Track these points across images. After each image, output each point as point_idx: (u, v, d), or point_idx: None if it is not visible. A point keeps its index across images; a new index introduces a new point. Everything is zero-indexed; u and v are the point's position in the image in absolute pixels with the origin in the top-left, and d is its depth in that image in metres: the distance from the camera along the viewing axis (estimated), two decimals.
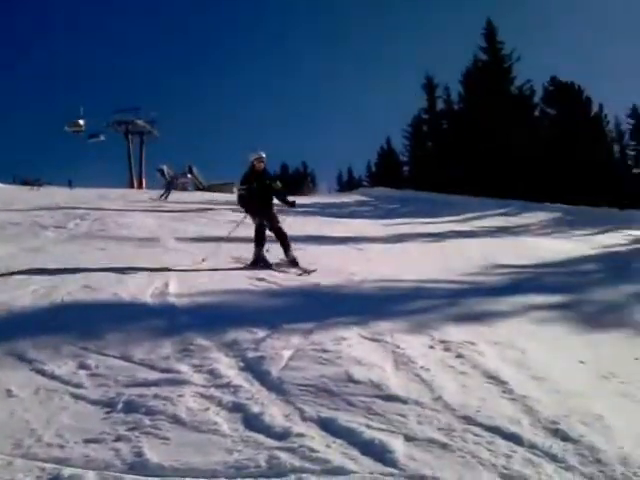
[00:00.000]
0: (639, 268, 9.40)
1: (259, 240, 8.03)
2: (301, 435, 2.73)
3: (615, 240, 13.23)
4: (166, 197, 21.41)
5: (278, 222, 8.17)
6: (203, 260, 7.69)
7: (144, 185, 37.73)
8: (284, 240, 8.08)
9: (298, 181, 46.10)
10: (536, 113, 34.88)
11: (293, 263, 7.91)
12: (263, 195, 8.00)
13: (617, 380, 3.91)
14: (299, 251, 9.48)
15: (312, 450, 2.58)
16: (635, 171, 34.56)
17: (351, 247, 10.73)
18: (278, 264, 7.91)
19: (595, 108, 34.91)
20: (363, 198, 26.63)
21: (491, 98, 32.22)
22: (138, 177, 40.80)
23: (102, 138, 42.47)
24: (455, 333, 4.66)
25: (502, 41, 34.88)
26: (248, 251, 8.06)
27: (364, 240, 11.84)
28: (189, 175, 33.22)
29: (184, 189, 29.59)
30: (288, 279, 6.99)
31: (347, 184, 53.44)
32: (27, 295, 5.62)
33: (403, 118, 47.66)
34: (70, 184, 28.34)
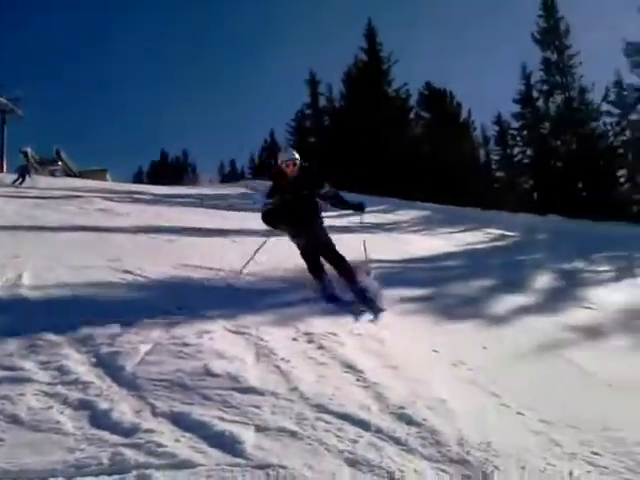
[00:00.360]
0: (495, 264, 10.24)
1: (314, 268, 6.12)
2: (150, 431, 2.67)
3: (477, 238, 14.31)
4: (20, 183, 19.68)
5: (330, 243, 6.04)
6: None
7: (4, 168, 34.52)
8: (342, 268, 5.89)
9: (178, 170, 44.83)
10: (411, 115, 36.82)
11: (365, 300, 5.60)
12: (301, 208, 5.94)
13: (465, 367, 4.23)
14: (171, 243, 9.27)
15: (159, 445, 2.52)
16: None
17: (230, 240, 10.62)
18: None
19: (464, 114, 37.56)
20: (245, 190, 26.48)
21: (370, 98, 33.48)
22: None
23: None
24: (320, 325, 4.78)
25: (381, 42, 36.41)
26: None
27: (243, 233, 11.78)
28: (59, 161, 31.01)
29: (52, 175, 27.58)
30: (157, 272, 6.74)
31: (229, 175, 52.89)
32: None
33: (287, 113, 48.10)
34: None
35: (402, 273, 8.52)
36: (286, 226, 6.03)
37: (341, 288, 5.85)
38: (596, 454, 2.87)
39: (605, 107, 30.27)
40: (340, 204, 6.18)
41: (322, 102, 40.45)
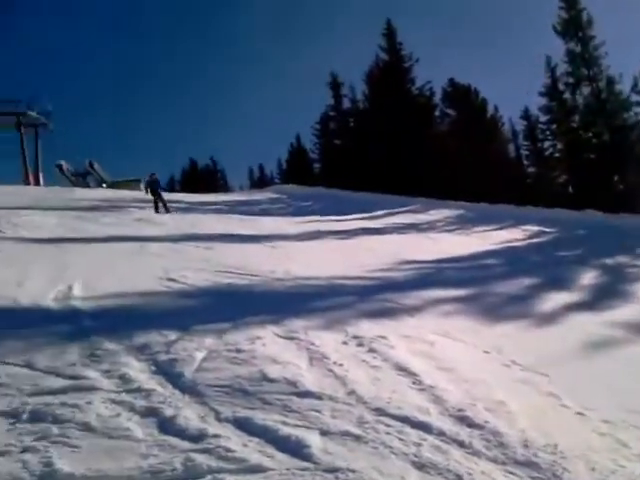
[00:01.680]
0: (535, 261, 10.09)
1: None
2: (217, 436, 2.73)
3: (514, 235, 14.09)
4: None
5: None
6: None
7: (41, 181, 35.42)
8: None
9: (208, 178, 45.35)
10: (436, 113, 36.49)
11: None
12: None
13: (518, 367, 4.20)
14: (209, 250, 9.43)
15: (228, 450, 2.58)
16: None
17: (264, 245, 10.74)
18: None
19: (491, 110, 37.06)
20: (275, 195, 26.66)
21: (393, 98, 33.28)
22: (34, 173, 38.20)
23: None
24: (367, 328, 4.81)
25: (401, 42, 36.13)
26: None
27: (276, 238, 11.89)
28: (92, 173, 31.71)
29: (87, 186, 28.21)
30: (199, 279, 6.87)
31: (259, 181, 53.31)
32: None
33: (312, 116, 48.33)
34: None
35: (440, 273, 8.47)
36: None
37: None
38: None
39: (635, 98, 29.46)
40: None
41: (346, 104, 40.42)
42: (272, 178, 51.99)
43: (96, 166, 33.55)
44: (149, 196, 17.93)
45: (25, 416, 2.95)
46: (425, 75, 36.07)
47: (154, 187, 18.18)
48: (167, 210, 17.47)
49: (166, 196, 17.97)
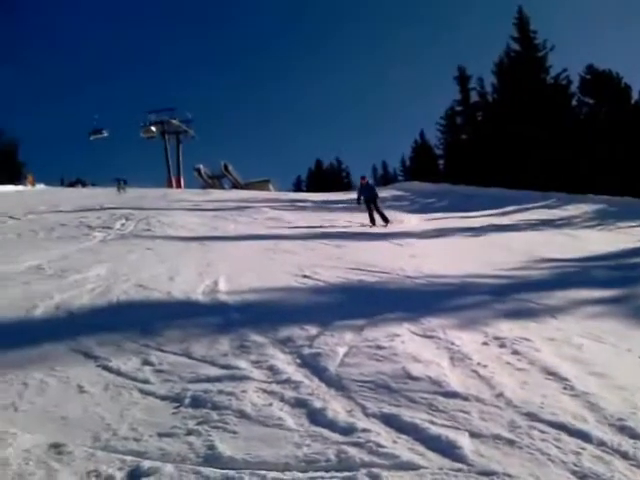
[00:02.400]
0: None
1: None
2: (366, 430, 2.77)
3: None
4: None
5: None
6: None
7: (182, 184, 38.35)
8: None
9: (333, 177, 46.19)
10: (574, 102, 34.05)
11: None
12: None
13: None
14: (339, 248, 9.60)
15: (379, 445, 2.61)
16: None
17: (391, 242, 10.74)
18: None
19: (635, 96, 33.90)
20: (399, 193, 26.51)
21: (526, 88, 31.56)
22: (176, 176, 41.54)
23: (105, 134, 43.41)
24: (508, 329, 4.63)
25: (535, 30, 34.15)
26: None
27: (403, 235, 11.83)
28: (227, 175, 33.68)
29: (222, 187, 30.00)
30: (332, 276, 7.02)
31: (382, 179, 53.28)
32: (85, 294, 5.82)
33: (436, 111, 47.28)
34: (119, 184, 28.65)
35: (582, 272, 7.93)
36: None
37: None
38: None
39: None
40: None
41: (473, 97, 39.09)
42: (395, 175, 51.73)
43: (230, 168, 35.63)
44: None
45: (187, 401, 3.19)
46: (561, 62, 33.91)
47: (367, 194, 14.42)
48: (384, 219, 14.02)
49: (293, 196, 18.41)
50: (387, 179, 49.94)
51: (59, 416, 3.02)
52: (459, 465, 2.45)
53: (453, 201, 20.58)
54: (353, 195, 17.17)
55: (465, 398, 3.17)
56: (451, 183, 28.47)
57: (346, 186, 46.38)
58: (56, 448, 2.62)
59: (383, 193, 26.75)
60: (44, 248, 8.94)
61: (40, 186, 35.39)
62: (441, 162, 42.98)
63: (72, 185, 37.30)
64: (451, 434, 2.71)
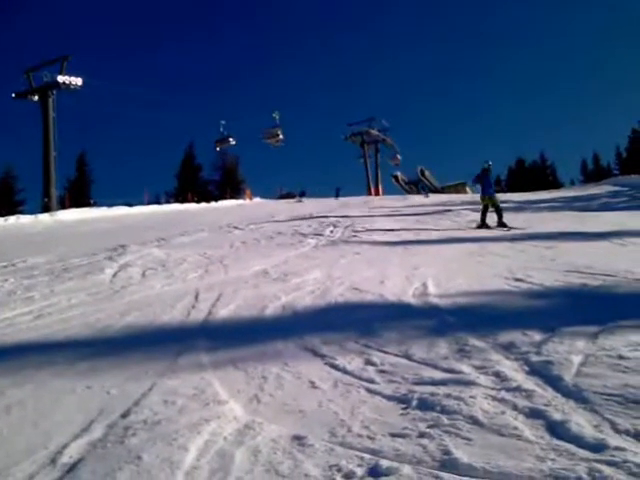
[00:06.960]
0: None
1: None
2: (620, 449, 2.46)
3: None
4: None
5: None
6: None
7: (381, 191, 39.39)
8: None
9: (536, 175, 43.43)
10: None
11: None
12: None
13: None
14: (550, 249, 8.92)
15: (639, 466, 2.30)
16: None
17: (611, 242, 9.66)
18: None
19: None
20: (615, 188, 23.83)
21: None
22: (375, 184, 42.83)
23: (232, 142, 44.95)
24: None
25: None
26: None
27: (625, 234, 10.55)
28: (423, 180, 33.83)
29: (419, 193, 30.18)
30: (548, 279, 6.50)
31: (593, 174, 48.45)
32: (306, 295, 6.20)
33: None
34: (337, 194, 30.65)
35: None
36: None
37: None
38: None
39: None
40: None
41: None
42: (609, 169, 46.70)
43: (427, 173, 35.66)
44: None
45: (414, 403, 3.16)
46: None
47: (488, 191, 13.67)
48: (500, 221, 13.28)
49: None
50: (600, 174, 45.12)
51: (297, 409, 3.20)
52: None
53: None
54: (558, 194, 15.94)
55: None
56: None
57: (550, 184, 43.15)
58: (299, 440, 2.78)
59: (593, 190, 24.37)
60: (267, 255, 9.75)
61: (256, 199, 39.32)
62: None
63: (283, 197, 40.61)
64: None
